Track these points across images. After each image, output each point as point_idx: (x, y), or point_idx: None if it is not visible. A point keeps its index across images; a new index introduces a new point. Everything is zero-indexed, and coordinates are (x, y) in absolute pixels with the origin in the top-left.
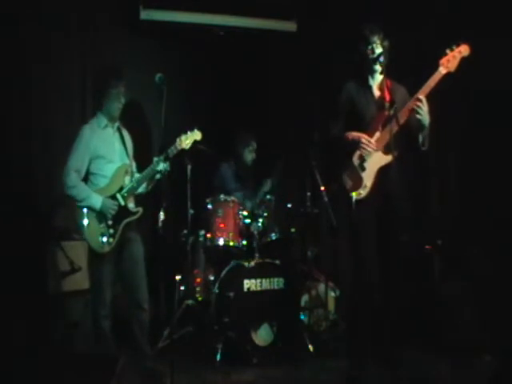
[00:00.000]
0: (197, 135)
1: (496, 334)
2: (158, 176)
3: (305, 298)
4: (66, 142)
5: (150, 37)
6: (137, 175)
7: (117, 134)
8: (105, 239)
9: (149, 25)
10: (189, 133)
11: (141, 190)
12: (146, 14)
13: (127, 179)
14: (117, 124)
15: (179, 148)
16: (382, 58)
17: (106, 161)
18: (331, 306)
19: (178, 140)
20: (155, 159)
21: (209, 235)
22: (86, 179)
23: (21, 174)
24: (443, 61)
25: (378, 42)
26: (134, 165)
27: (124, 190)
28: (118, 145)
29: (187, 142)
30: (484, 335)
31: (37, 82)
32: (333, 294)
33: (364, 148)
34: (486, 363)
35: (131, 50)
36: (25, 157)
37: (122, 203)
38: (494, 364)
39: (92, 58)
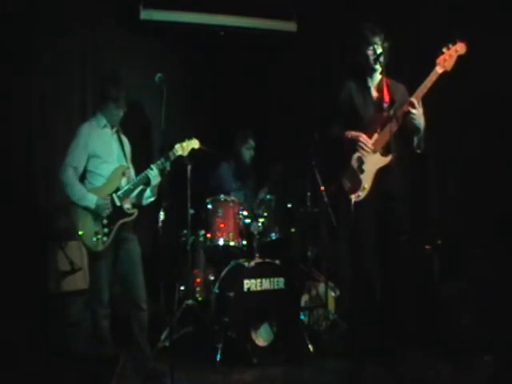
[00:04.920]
0: (194, 143)
1: (496, 334)
2: (155, 182)
3: (305, 298)
4: (66, 141)
5: (150, 37)
6: (134, 178)
7: (115, 136)
8: (99, 237)
9: (149, 25)
10: (187, 141)
11: (149, 199)
12: (146, 14)
13: (124, 181)
14: (116, 127)
15: (177, 154)
16: (382, 58)
17: (102, 160)
18: (331, 306)
19: (176, 147)
20: (151, 166)
21: (209, 235)
22: (83, 177)
23: (21, 174)
24: (439, 60)
25: (380, 42)
26: (131, 169)
27: (120, 191)
28: (115, 146)
29: (185, 149)
30: (484, 335)
31: (37, 82)
32: (333, 293)
33: (362, 147)
34: (486, 363)
35: (131, 50)
36: (25, 157)
37: (118, 204)
38: (494, 364)
39: (92, 58)
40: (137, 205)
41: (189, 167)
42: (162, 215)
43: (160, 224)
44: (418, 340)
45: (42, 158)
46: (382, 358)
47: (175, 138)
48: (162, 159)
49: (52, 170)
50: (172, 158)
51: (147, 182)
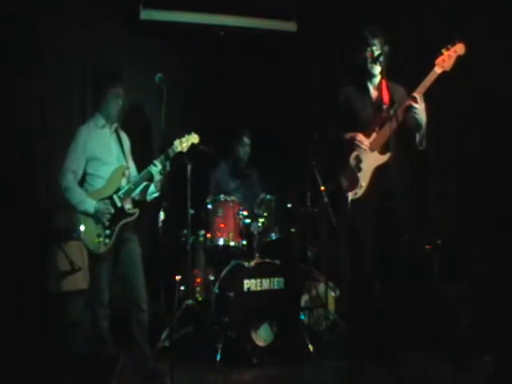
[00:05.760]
0: (194, 138)
1: (496, 334)
2: (158, 178)
3: (305, 298)
4: (66, 142)
5: (150, 37)
6: (134, 177)
7: (114, 135)
8: (101, 240)
9: (149, 25)
10: (186, 136)
11: (153, 194)
12: (146, 14)
13: (124, 181)
14: (115, 125)
15: (176, 151)
16: (381, 58)
17: (101, 162)
18: (331, 305)
19: (175, 143)
20: (154, 162)
21: (209, 235)
22: (83, 180)
23: (21, 174)
24: (439, 60)
25: (379, 45)
26: (133, 167)
27: (121, 192)
28: (114, 146)
29: (185, 145)
30: (484, 335)
31: (37, 83)
32: (333, 293)
33: (357, 145)
34: (486, 363)
35: (131, 50)
36: (25, 157)
37: (119, 205)
38: (494, 364)
39: (92, 58)
40: (142, 201)
41: (189, 167)
42: (162, 215)
43: (160, 224)
44: (418, 340)
45: (41, 157)
46: (381, 358)
47: (175, 138)
48: (162, 156)
49: (52, 169)
50: (172, 154)
51: (151, 178)
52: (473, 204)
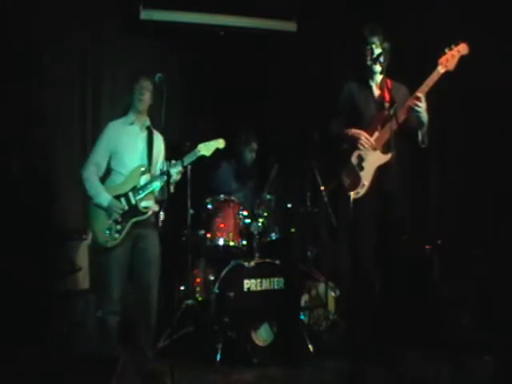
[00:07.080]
0: (220, 143)
1: (496, 334)
2: (175, 178)
3: (305, 298)
4: (66, 142)
5: (150, 37)
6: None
7: (145, 134)
8: (110, 233)
9: (149, 25)
10: (213, 141)
11: (162, 196)
12: (146, 14)
13: (143, 179)
14: (146, 123)
15: (198, 154)
16: (381, 58)
17: (123, 158)
18: (331, 306)
19: (199, 146)
20: (172, 163)
21: (209, 235)
22: (108, 174)
23: (22, 174)
24: (442, 60)
25: (378, 42)
26: (161, 166)
27: (136, 190)
28: (141, 144)
29: (209, 149)
30: (484, 335)
31: (36, 83)
32: (333, 293)
33: (362, 145)
34: (486, 363)
35: (131, 50)
36: (25, 157)
37: (133, 202)
38: (494, 364)
39: (92, 58)
40: (160, 200)
41: (189, 167)
42: (161, 215)
43: (160, 224)
44: (418, 340)
45: (42, 157)
46: (381, 358)
47: (175, 138)
48: (184, 158)
49: (52, 170)
50: (193, 157)
51: (165, 179)
52: (473, 204)
